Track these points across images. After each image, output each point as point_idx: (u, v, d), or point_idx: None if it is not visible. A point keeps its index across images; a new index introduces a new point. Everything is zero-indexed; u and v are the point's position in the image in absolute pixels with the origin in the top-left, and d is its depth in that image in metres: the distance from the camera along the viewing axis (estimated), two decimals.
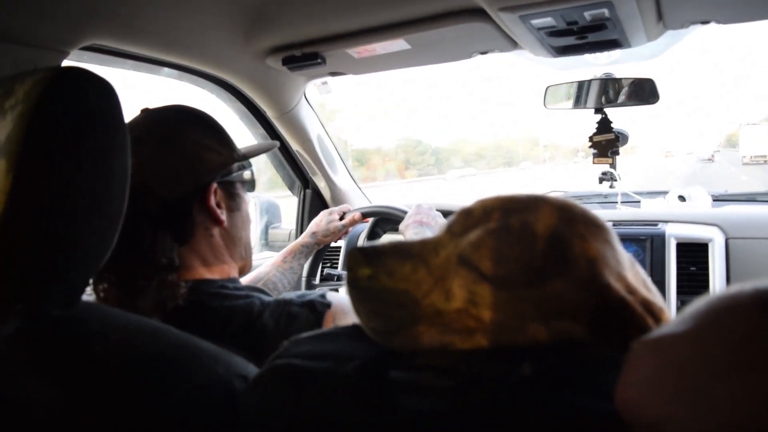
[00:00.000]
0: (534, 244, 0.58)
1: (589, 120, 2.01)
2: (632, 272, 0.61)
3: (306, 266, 1.96)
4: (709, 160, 52.29)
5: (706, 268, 1.74)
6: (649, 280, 0.64)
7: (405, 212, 1.86)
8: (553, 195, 0.64)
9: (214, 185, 1.09)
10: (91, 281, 0.95)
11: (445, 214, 1.84)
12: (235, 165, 1.15)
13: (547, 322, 0.56)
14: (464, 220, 0.64)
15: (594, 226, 0.61)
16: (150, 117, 1.09)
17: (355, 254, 0.64)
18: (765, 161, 44.28)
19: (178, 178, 1.05)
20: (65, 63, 1.31)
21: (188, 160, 1.06)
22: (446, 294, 0.59)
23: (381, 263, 0.63)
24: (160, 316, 0.95)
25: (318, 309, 1.05)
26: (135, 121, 1.08)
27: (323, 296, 1.08)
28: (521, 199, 0.62)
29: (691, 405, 0.40)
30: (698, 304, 0.44)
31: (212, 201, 1.08)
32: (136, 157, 1.00)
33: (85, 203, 0.70)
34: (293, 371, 0.62)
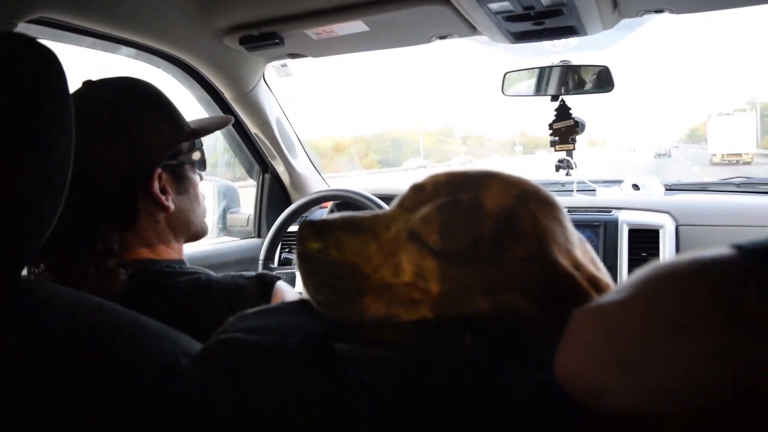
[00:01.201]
0: (483, 219, 0.59)
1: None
2: (581, 250, 0.62)
3: (263, 250, 1.95)
4: (665, 155, 44.27)
5: (657, 254, 1.79)
6: (598, 259, 0.65)
7: (364, 196, 1.86)
8: (506, 172, 0.65)
9: (158, 170, 1.04)
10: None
11: (385, 198, 1.86)
12: (184, 145, 1.10)
13: (492, 295, 0.57)
14: (416, 195, 0.64)
15: (545, 203, 0.61)
16: (92, 92, 1.03)
17: (306, 227, 0.64)
18: (739, 161, 33.00)
19: (119, 162, 1.00)
20: None
21: (129, 143, 1.01)
22: (395, 268, 0.60)
23: (331, 236, 0.63)
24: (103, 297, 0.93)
25: (267, 280, 1.03)
26: (75, 95, 0.98)
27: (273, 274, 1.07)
28: (473, 175, 0.63)
29: (629, 371, 0.41)
30: (637, 273, 0.44)
31: (156, 187, 1.03)
32: (76, 137, 0.97)
33: (24, 177, 0.68)
34: (237, 346, 0.62)
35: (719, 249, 0.40)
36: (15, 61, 0.68)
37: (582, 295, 0.57)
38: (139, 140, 1.02)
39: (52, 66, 0.71)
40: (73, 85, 0.98)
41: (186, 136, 1.09)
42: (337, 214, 0.67)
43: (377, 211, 0.67)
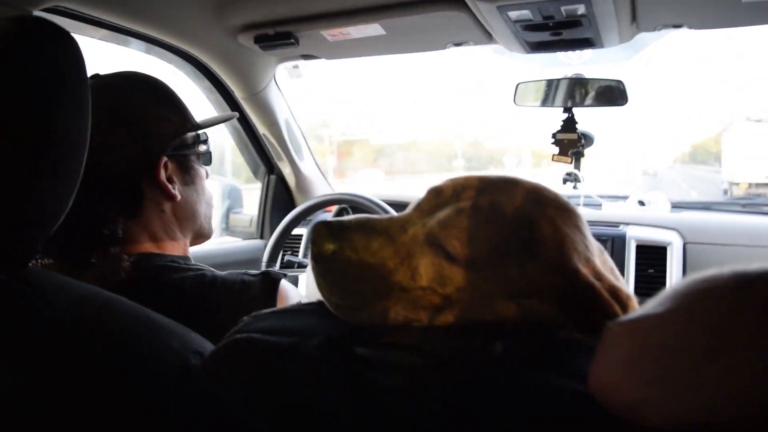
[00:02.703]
0: (503, 225, 0.58)
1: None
2: (600, 259, 0.62)
3: (267, 252, 1.93)
4: (651, 174, 35.74)
5: (664, 271, 1.78)
6: (616, 269, 0.64)
7: (370, 200, 1.85)
8: (525, 178, 0.64)
9: (164, 159, 1.05)
10: None
11: (391, 204, 1.85)
12: (189, 136, 1.11)
13: (517, 299, 0.56)
14: (434, 199, 0.64)
15: (564, 210, 0.61)
16: (99, 84, 1.04)
17: (320, 228, 0.63)
18: None
19: (125, 150, 1.01)
20: None
21: (136, 131, 1.02)
22: (412, 272, 0.59)
23: (346, 238, 0.62)
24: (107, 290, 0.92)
25: (272, 278, 1.02)
26: None
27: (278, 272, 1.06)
28: (493, 180, 0.62)
29: (669, 388, 0.40)
30: (676, 287, 0.43)
31: (162, 175, 1.04)
32: None
33: (41, 161, 0.67)
34: (254, 346, 0.60)
35: (762, 264, 0.40)
36: (35, 45, 0.67)
37: (603, 305, 0.57)
38: (145, 127, 1.03)
39: (72, 50, 0.70)
40: None
41: (192, 127, 1.10)
42: (351, 216, 0.66)
43: (393, 213, 0.66)
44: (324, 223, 0.64)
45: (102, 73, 1.07)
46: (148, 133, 1.03)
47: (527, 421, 0.47)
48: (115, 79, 1.06)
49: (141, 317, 0.74)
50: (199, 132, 1.14)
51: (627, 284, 1.70)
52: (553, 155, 2.03)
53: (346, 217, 0.65)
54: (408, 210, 0.65)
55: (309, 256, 0.66)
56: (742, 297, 0.39)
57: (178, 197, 1.07)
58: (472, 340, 0.55)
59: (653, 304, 0.44)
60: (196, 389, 0.64)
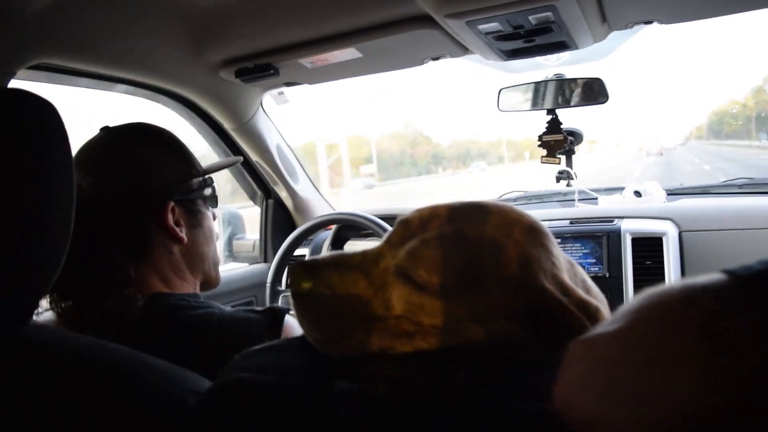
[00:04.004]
0: (468, 251, 0.60)
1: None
2: (569, 273, 0.63)
3: (271, 273, 1.96)
4: (656, 155, 36.22)
5: (662, 262, 1.78)
6: (589, 281, 0.65)
7: (367, 218, 1.88)
8: (493, 200, 0.66)
9: (171, 203, 1.09)
10: (48, 298, 0.96)
11: (388, 219, 1.88)
12: (195, 181, 1.15)
13: (485, 323, 0.58)
14: (403, 230, 0.65)
15: (530, 230, 0.62)
16: (108, 135, 1.10)
17: (296, 268, 0.66)
18: None
19: (133, 196, 1.05)
20: (13, 83, 1.29)
21: (142, 178, 1.06)
22: (386, 303, 0.61)
23: (320, 276, 0.64)
24: (118, 331, 0.94)
25: (277, 312, 1.06)
26: (94, 140, 1.09)
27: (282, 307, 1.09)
28: (458, 207, 0.64)
29: (622, 402, 0.41)
30: (630, 303, 0.44)
31: (170, 219, 1.08)
32: (93, 176, 1.02)
33: (28, 224, 0.70)
34: (240, 386, 0.63)
35: (710, 275, 0.40)
36: (18, 116, 0.70)
37: (572, 320, 0.58)
38: (152, 175, 1.07)
39: (53, 118, 0.73)
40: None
41: (197, 173, 1.15)
42: (326, 253, 0.68)
43: (366, 248, 0.68)
44: (299, 263, 0.66)
45: (111, 125, 1.13)
46: (155, 180, 1.07)
47: None
48: (124, 130, 1.12)
49: (137, 362, 0.76)
50: (205, 177, 1.18)
51: (626, 278, 1.73)
52: (542, 157, 2.04)
53: (321, 255, 0.68)
54: (380, 243, 0.68)
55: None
56: (688, 309, 0.39)
57: (185, 240, 1.11)
58: (439, 367, 0.56)
59: (610, 320, 0.45)
60: (195, 429, 0.66)
